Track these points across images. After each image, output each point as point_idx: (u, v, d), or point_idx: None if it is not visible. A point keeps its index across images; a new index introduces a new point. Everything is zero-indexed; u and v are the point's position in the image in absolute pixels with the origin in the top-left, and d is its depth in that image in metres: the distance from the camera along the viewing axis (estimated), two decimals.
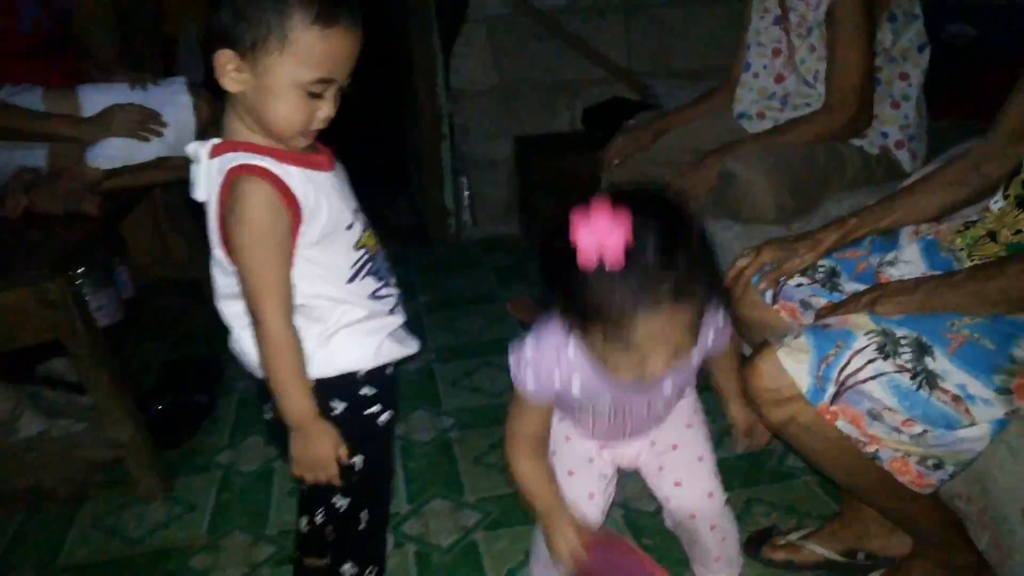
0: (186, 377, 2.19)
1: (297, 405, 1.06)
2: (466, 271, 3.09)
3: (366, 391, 1.13)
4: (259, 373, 1.08)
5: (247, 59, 0.96)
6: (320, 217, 1.04)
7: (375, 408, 1.15)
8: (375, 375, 1.14)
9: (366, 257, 1.12)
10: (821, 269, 1.36)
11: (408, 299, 2.81)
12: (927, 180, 1.37)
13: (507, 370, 1.12)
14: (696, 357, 1.14)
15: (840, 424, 1.07)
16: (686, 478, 1.25)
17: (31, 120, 1.93)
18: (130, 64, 2.48)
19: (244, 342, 1.09)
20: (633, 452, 1.28)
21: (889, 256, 1.30)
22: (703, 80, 3.04)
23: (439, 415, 2.06)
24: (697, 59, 3.24)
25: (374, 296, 1.14)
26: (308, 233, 1.03)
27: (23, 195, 1.88)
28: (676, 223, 0.93)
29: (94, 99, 2.05)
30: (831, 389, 1.06)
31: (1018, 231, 1.15)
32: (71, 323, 1.52)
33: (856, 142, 1.94)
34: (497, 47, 3.21)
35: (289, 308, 1.04)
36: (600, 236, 0.86)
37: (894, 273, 1.26)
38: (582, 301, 0.92)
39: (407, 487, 1.77)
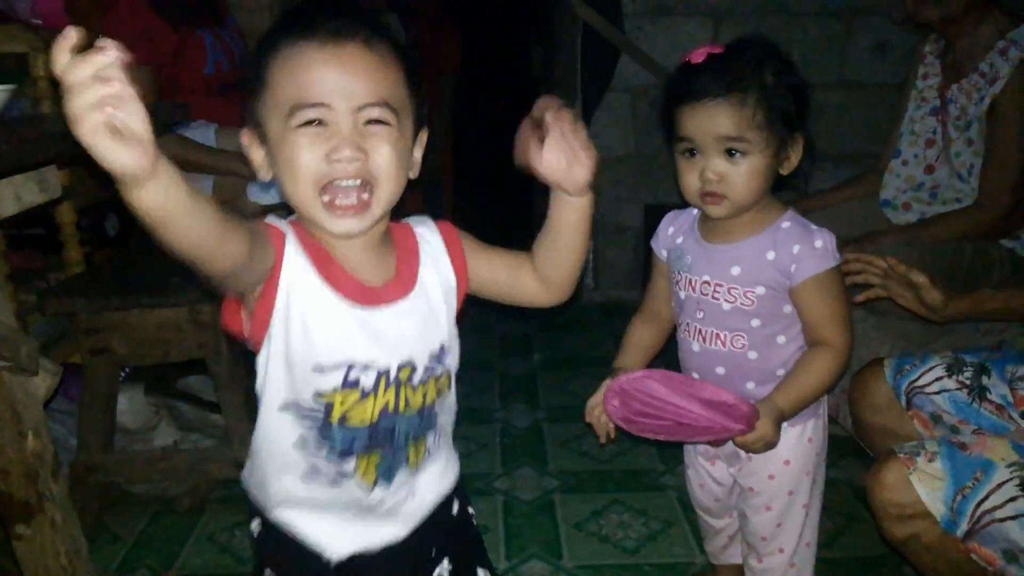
0: None
1: None
2: (583, 333, 3.10)
3: None
4: None
5: None
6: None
7: None
8: None
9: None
10: (969, 367, 1.30)
11: (523, 355, 2.89)
12: None
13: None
14: (771, 275, 1.17)
15: (973, 558, 1.02)
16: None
17: (204, 154, 2.11)
18: None
19: None
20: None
21: (1021, 371, 1.23)
22: (847, 165, 2.98)
23: (545, 475, 2.07)
24: (845, 143, 3.18)
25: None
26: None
27: None
28: (765, 51, 1.14)
29: None
30: (965, 525, 1.02)
31: None
32: (217, 344, 1.63)
33: (1007, 243, 1.85)
34: (637, 116, 3.26)
35: None
36: (697, 50, 1.15)
37: None
38: (667, 103, 1.18)
39: (506, 544, 1.77)
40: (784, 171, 1.16)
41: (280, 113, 0.84)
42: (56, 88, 1.92)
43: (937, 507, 1.03)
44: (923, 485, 1.04)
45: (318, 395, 0.89)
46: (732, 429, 1.08)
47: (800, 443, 1.23)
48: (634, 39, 3.16)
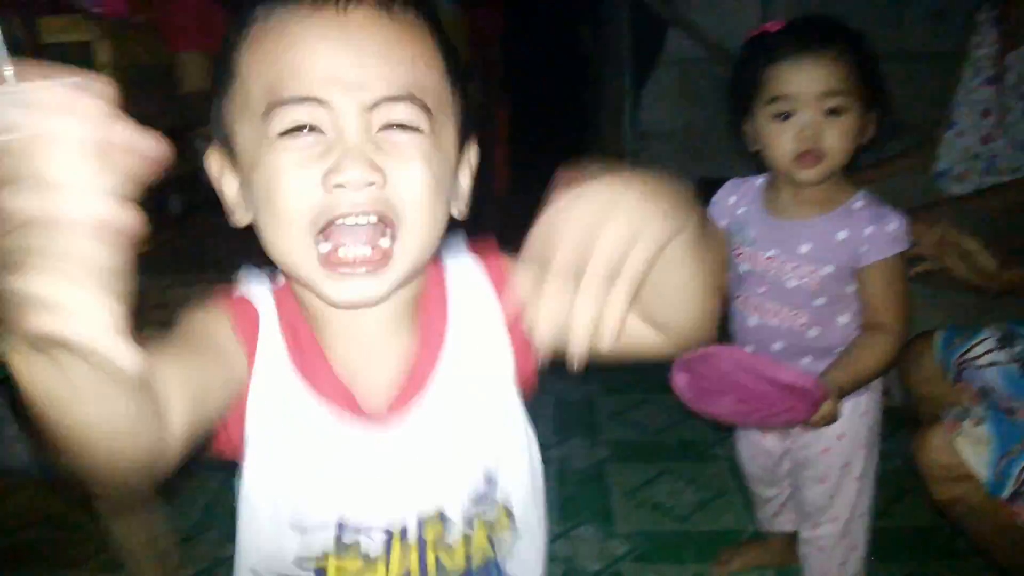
0: None
1: None
2: None
3: None
4: None
5: None
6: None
7: None
8: None
9: None
10: (1021, 339, 1.29)
11: None
12: None
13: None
14: (840, 256, 1.15)
15: (1020, 523, 1.03)
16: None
17: None
18: None
19: None
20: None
21: None
22: (906, 137, 2.92)
23: (596, 445, 2.10)
24: (903, 115, 3.10)
25: None
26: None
27: None
28: (839, 25, 1.14)
29: None
30: (1010, 487, 1.02)
31: None
32: None
33: None
34: (687, 90, 3.24)
35: None
36: (770, 23, 1.15)
37: None
38: (750, 68, 1.15)
39: (559, 510, 1.81)
40: (862, 140, 1.16)
41: (253, 116, 0.56)
42: (118, 76, 1.96)
43: (981, 470, 1.04)
44: (968, 448, 1.05)
45: (303, 560, 0.63)
46: (798, 410, 1.07)
47: (854, 417, 1.23)
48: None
